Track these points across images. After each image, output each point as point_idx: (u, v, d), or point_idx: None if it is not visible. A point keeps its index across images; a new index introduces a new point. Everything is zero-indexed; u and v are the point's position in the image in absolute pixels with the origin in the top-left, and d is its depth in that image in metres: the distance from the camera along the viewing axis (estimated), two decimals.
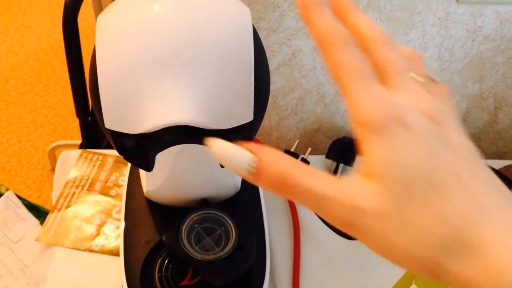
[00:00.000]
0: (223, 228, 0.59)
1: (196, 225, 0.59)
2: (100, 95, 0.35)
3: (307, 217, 0.75)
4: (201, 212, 0.60)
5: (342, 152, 0.80)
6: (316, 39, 0.29)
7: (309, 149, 0.80)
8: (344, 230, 0.27)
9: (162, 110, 0.33)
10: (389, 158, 0.26)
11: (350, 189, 0.26)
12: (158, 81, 0.33)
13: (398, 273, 0.68)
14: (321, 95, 0.83)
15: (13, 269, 1.02)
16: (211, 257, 0.56)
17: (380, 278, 0.70)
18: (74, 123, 1.93)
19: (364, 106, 0.27)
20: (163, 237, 0.58)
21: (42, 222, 1.08)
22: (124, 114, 0.35)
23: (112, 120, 0.36)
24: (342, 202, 0.26)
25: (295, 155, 0.78)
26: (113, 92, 0.34)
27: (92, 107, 0.38)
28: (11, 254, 1.05)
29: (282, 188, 0.27)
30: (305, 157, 0.79)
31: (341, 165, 0.80)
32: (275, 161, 0.27)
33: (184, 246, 0.57)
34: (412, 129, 0.26)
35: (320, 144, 0.89)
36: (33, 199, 1.71)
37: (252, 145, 0.27)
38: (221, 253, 0.57)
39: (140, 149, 0.42)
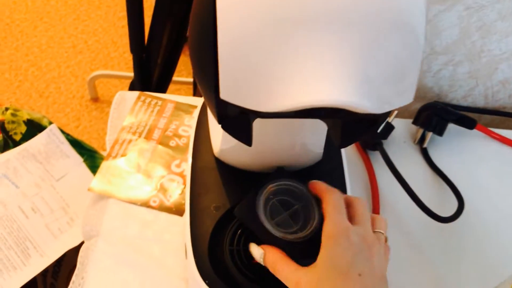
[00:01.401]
0: (301, 204, 0.52)
1: (272, 197, 0.52)
2: (220, 56, 0.26)
3: (385, 189, 0.67)
4: (279, 182, 0.53)
5: (433, 119, 0.70)
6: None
7: (395, 112, 0.70)
8: None
9: (310, 85, 0.24)
10: (328, 255, 0.44)
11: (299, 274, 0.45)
12: (305, 44, 0.24)
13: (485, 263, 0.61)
14: None
15: (54, 207, 0.97)
16: (291, 237, 0.49)
17: (466, 264, 0.62)
18: (115, 52, 1.85)
19: (333, 223, 0.46)
20: (235, 209, 0.51)
21: (86, 160, 1.02)
22: (253, 87, 0.26)
23: (233, 92, 0.27)
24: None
25: None
26: (241, 56, 0.25)
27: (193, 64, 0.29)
28: (53, 192, 1.00)
29: (272, 269, 0.47)
30: (390, 121, 0.70)
31: (430, 134, 0.71)
32: (270, 254, 0.48)
33: (261, 221, 0.50)
34: (351, 243, 0.44)
35: (403, 106, 0.80)
36: (71, 129, 1.65)
37: (264, 246, 0.49)
38: (302, 234, 0.50)
39: (244, 119, 0.34)
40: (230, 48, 0.25)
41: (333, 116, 0.31)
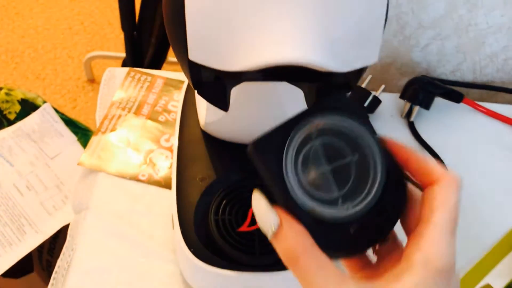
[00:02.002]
0: (356, 156, 0.33)
1: (312, 139, 0.32)
2: (186, 17, 0.26)
3: None
4: (335, 117, 0.32)
5: (419, 93, 0.71)
6: None
7: (383, 86, 0.71)
8: None
9: (273, 44, 0.25)
10: None
11: None
12: (269, 4, 0.24)
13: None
14: (402, 26, 0.72)
15: (48, 185, 0.98)
16: (327, 211, 0.31)
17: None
18: (111, 34, 1.85)
19: (441, 250, 0.30)
20: (250, 145, 0.33)
21: (80, 139, 1.03)
22: (218, 45, 0.26)
23: (200, 51, 0.27)
24: None
25: (366, 92, 0.70)
26: (207, 13, 0.25)
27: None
28: (47, 170, 1.01)
29: (288, 260, 0.29)
30: (377, 95, 0.71)
31: (417, 108, 0.71)
32: (293, 234, 0.29)
33: (286, 175, 0.32)
34: None
35: (391, 81, 0.80)
36: (67, 110, 1.66)
37: (283, 213, 0.30)
38: (346, 210, 0.32)
39: (218, 84, 0.35)
40: (195, 9, 0.26)
41: (300, 79, 0.31)
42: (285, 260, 0.30)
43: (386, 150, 0.33)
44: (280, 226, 0.30)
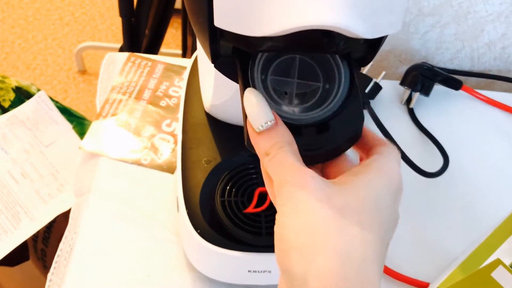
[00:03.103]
0: (327, 86, 0.36)
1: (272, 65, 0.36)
2: None
3: None
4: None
5: (419, 79, 0.71)
6: None
7: (383, 72, 0.71)
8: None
9: (301, 7, 0.25)
10: (379, 192, 0.32)
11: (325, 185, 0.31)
12: None
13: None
14: None
15: (44, 173, 0.98)
16: (294, 113, 0.35)
17: (450, 216, 0.64)
18: (102, 24, 1.83)
19: (398, 165, 0.34)
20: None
21: (75, 127, 1.03)
22: (245, 10, 0.26)
23: (226, 15, 0.28)
24: None
25: (367, 78, 0.70)
26: None
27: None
28: (42, 158, 1.00)
29: (265, 154, 0.32)
30: (378, 81, 0.71)
31: (416, 94, 0.72)
32: (286, 130, 0.32)
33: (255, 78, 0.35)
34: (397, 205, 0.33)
35: (391, 68, 0.81)
36: (58, 101, 1.65)
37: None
38: (313, 112, 0.34)
39: (236, 57, 0.35)
40: None
41: (321, 50, 0.32)
42: (268, 152, 0.32)
43: (355, 85, 0.35)
44: (276, 122, 0.32)
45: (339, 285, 0.27)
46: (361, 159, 0.35)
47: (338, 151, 0.34)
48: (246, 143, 0.34)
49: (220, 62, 0.36)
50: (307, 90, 0.35)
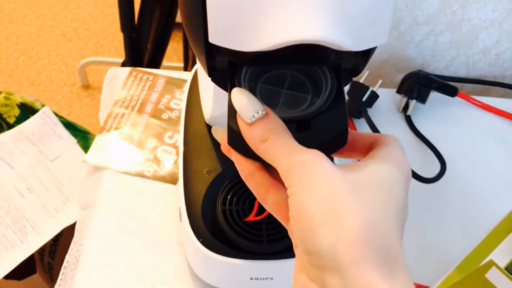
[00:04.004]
0: (315, 100, 0.36)
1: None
2: (207, 1, 0.28)
3: None
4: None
5: (416, 87, 0.73)
6: None
7: (380, 81, 0.73)
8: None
9: (290, 22, 0.27)
10: (387, 181, 0.32)
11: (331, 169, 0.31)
12: None
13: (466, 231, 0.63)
14: (397, 22, 0.75)
15: (49, 187, 0.99)
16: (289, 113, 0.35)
17: (448, 221, 0.65)
18: (104, 40, 1.86)
19: (401, 153, 0.35)
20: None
21: (79, 141, 1.04)
22: (237, 25, 0.28)
23: (220, 33, 0.29)
24: None
25: (364, 87, 0.72)
26: None
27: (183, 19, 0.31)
28: (47, 172, 1.01)
29: (261, 141, 0.32)
30: (375, 89, 0.72)
31: (413, 102, 0.73)
32: (277, 118, 0.32)
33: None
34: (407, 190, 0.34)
35: (387, 77, 0.82)
36: (62, 116, 1.67)
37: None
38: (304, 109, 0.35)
39: (231, 71, 0.36)
40: None
41: (311, 63, 0.33)
42: (264, 138, 0.32)
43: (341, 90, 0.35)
44: (267, 113, 0.32)
45: (367, 252, 0.27)
46: None
47: (324, 151, 0.34)
48: (228, 142, 0.35)
49: (217, 76, 0.37)
50: (295, 100, 0.35)
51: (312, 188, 0.29)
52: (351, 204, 0.28)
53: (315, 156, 0.30)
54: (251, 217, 0.55)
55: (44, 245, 0.91)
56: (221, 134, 0.38)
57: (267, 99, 0.35)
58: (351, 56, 0.34)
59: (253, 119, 0.32)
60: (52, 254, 1.02)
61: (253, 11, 0.28)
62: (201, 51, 0.33)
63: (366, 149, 0.35)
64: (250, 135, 0.33)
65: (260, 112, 0.32)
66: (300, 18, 0.27)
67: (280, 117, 0.33)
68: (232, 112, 0.34)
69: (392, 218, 0.29)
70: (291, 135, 0.32)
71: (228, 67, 0.35)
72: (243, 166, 0.35)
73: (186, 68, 1.35)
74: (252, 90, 0.34)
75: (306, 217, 0.29)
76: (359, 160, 0.34)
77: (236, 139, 0.34)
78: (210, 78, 0.38)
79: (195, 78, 0.65)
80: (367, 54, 0.34)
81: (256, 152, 0.33)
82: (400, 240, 0.30)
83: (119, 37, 1.33)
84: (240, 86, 0.35)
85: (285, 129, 0.32)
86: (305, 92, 0.36)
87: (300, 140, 0.32)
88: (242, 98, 0.33)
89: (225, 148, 0.37)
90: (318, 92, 0.36)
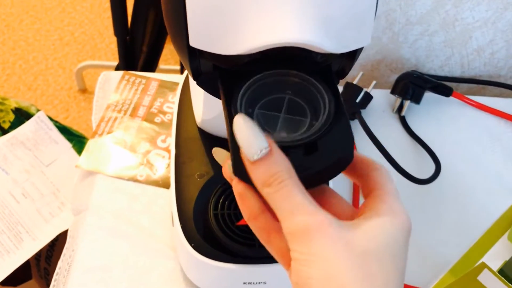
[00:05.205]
0: (314, 123, 0.35)
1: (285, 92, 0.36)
2: (187, 5, 0.28)
3: None
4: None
5: (410, 87, 0.72)
6: None
7: (374, 82, 0.72)
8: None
9: (270, 25, 0.26)
10: (388, 236, 0.32)
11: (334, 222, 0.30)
12: None
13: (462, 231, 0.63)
14: (390, 22, 0.74)
15: (44, 192, 0.99)
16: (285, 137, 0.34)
17: (443, 222, 0.64)
18: (101, 43, 1.86)
19: (401, 206, 0.33)
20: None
21: (74, 146, 1.04)
22: (217, 29, 0.28)
23: (201, 36, 0.29)
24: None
25: (358, 88, 0.71)
26: (206, 2, 0.27)
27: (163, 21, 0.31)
28: (42, 177, 1.01)
29: (271, 184, 0.30)
30: (368, 91, 0.72)
31: (407, 102, 0.73)
32: (282, 158, 0.30)
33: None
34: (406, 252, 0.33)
35: (382, 78, 0.82)
36: (60, 120, 1.66)
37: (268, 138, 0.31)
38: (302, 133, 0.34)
39: (216, 74, 0.36)
40: None
41: (296, 66, 0.33)
42: (268, 183, 0.30)
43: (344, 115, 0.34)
44: (270, 150, 0.30)
45: None
46: (355, 186, 0.36)
47: (331, 172, 0.34)
48: (234, 173, 0.33)
49: (202, 79, 0.37)
50: (293, 124, 0.34)
51: (316, 261, 0.29)
52: (354, 283, 0.28)
53: (319, 222, 0.29)
54: (243, 221, 0.54)
55: (40, 251, 0.91)
56: (222, 157, 0.37)
57: (265, 124, 0.34)
58: (336, 58, 0.34)
59: (256, 158, 0.30)
60: (48, 260, 1.01)
61: (233, 15, 0.27)
62: (184, 55, 0.33)
63: (360, 175, 0.35)
64: (254, 175, 0.31)
65: (263, 150, 0.30)
66: (280, 21, 0.26)
67: (282, 143, 0.32)
68: (234, 143, 0.32)
69: None
70: (296, 181, 0.31)
71: (220, 84, 0.34)
72: (246, 209, 0.34)
73: (182, 71, 1.35)
74: (250, 116, 0.33)
75: None
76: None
77: (242, 169, 0.32)
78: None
79: (186, 81, 0.65)
80: (352, 56, 0.34)
81: (260, 193, 0.31)
82: None
83: (115, 40, 1.33)
84: (237, 113, 0.33)
85: (290, 174, 0.31)
86: (303, 116, 0.35)
87: (306, 165, 0.32)
88: (244, 131, 0.30)
89: (227, 174, 0.35)
90: (317, 114, 0.35)
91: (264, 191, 0.31)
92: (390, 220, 0.31)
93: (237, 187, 0.33)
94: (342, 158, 0.33)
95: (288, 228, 0.30)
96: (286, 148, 0.32)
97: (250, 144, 0.30)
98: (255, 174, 0.31)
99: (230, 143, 0.33)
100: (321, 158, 0.33)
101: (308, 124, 0.34)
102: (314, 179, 0.33)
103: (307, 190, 0.31)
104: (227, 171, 0.35)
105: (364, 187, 0.35)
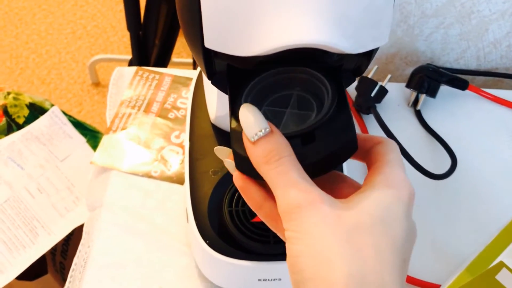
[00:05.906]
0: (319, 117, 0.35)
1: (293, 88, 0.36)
2: (202, 6, 0.27)
3: None
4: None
5: (425, 81, 0.71)
6: None
7: (389, 76, 0.72)
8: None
9: (286, 26, 0.26)
10: (385, 211, 0.31)
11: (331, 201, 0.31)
12: None
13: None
14: (405, 15, 0.73)
15: (59, 187, 0.99)
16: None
17: (460, 217, 0.64)
18: (114, 37, 1.86)
19: (403, 175, 0.33)
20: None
21: (88, 140, 1.04)
22: (232, 31, 0.27)
23: (216, 37, 0.28)
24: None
25: (372, 82, 0.71)
26: (221, 2, 0.26)
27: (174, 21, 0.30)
28: (57, 172, 1.02)
29: (269, 161, 0.31)
30: (383, 84, 0.71)
31: (423, 96, 0.72)
32: (281, 138, 0.31)
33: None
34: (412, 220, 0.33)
35: (397, 71, 0.81)
36: (73, 114, 1.67)
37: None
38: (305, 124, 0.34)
39: (228, 81, 0.35)
40: None
41: (312, 65, 0.32)
42: (266, 159, 0.31)
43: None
44: (271, 130, 0.32)
45: None
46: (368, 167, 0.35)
47: (334, 161, 0.34)
48: (236, 166, 0.34)
49: (216, 78, 0.36)
50: (300, 118, 0.35)
51: (305, 238, 0.29)
52: (342, 258, 0.28)
53: (311, 200, 0.30)
54: (258, 218, 0.54)
55: (56, 245, 0.92)
56: (225, 154, 0.38)
57: (272, 120, 0.34)
58: (352, 57, 0.34)
59: (256, 138, 0.31)
60: (64, 254, 1.02)
61: (249, 16, 0.27)
62: (199, 55, 0.33)
63: (365, 152, 0.35)
64: (253, 154, 0.32)
65: (263, 130, 0.31)
66: (297, 22, 0.26)
67: (284, 133, 0.32)
68: (235, 135, 0.33)
69: (386, 264, 0.29)
70: (294, 160, 0.31)
71: (228, 89, 0.35)
72: (250, 200, 0.35)
73: (195, 65, 1.35)
74: None
75: (299, 268, 0.29)
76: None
77: (243, 163, 0.34)
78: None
79: (200, 77, 0.64)
80: (369, 55, 0.33)
81: (258, 172, 0.32)
82: (398, 285, 0.29)
83: (128, 34, 1.34)
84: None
85: (289, 152, 0.31)
86: (310, 110, 0.35)
87: (307, 154, 0.32)
88: (248, 115, 0.32)
89: (231, 169, 0.36)
90: (322, 107, 0.35)
91: (262, 169, 0.31)
92: (384, 192, 0.31)
93: (238, 181, 0.34)
94: (345, 146, 0.34)
95: (281, 207, 0.30)
96: (289, 138, 0.33)
97: (251, 124, 0.31)
98: (255, 152, 0.31)
99: (231, 139, 0.34)
100: (323, 147, 0.33)
101: (314, 117, 0.35)
102: (319, 167, 0.34)
103: (315, 178, 0.32)
104: (229, 166, 0.36)
105: (368, 163, 0.35)
